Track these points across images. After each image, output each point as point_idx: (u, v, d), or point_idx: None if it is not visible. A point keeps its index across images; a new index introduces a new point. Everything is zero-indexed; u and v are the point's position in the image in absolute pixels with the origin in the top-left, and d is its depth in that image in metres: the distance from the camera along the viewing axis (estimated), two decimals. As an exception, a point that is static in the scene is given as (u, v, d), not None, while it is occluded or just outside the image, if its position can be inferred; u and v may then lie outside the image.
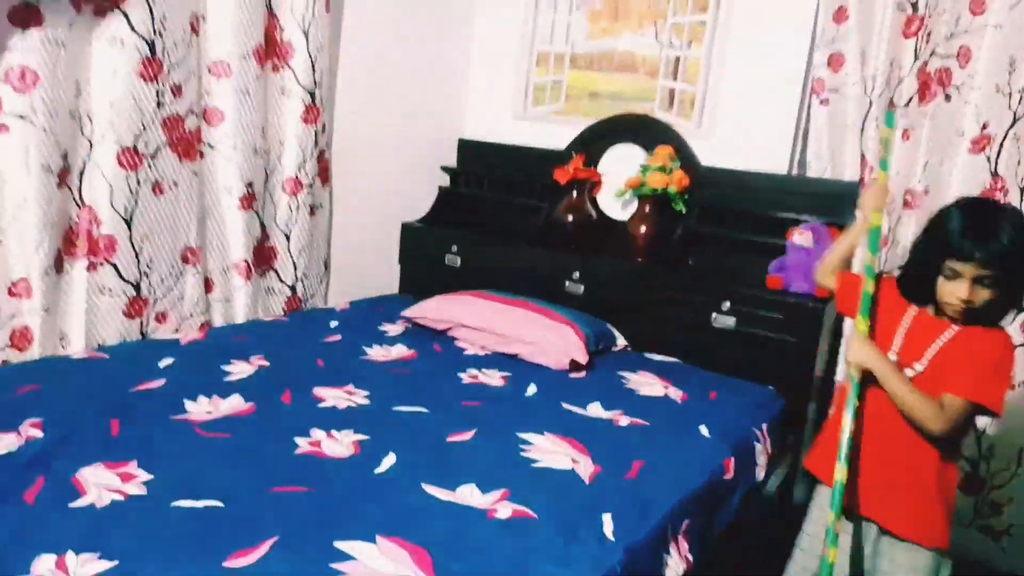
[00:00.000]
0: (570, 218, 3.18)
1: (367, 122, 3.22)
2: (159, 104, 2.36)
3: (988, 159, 2.47)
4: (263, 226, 2.81)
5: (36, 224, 2.13)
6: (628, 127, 3.17)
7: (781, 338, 2.57)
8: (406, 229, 3.43)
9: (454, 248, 3.27)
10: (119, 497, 1.49)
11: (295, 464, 1.72)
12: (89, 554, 1.30)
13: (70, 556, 1.29)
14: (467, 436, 1.94)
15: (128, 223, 2.36)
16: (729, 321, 2.65)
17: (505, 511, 1.58)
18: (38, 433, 1.70)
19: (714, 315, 2.68)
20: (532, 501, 1.63)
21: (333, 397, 2.12)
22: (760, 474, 2.17)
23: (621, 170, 3.11)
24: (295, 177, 2.84)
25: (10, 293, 2.14)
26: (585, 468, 1.83)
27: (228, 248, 2.72)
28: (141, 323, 2.47)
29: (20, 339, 2.19)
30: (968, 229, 1.53)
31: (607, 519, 1.60)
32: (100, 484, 1.53)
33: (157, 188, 2.42)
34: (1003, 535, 2.63)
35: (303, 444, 1.81)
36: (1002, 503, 2.62)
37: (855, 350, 1.67)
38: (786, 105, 2.88)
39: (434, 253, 3.33)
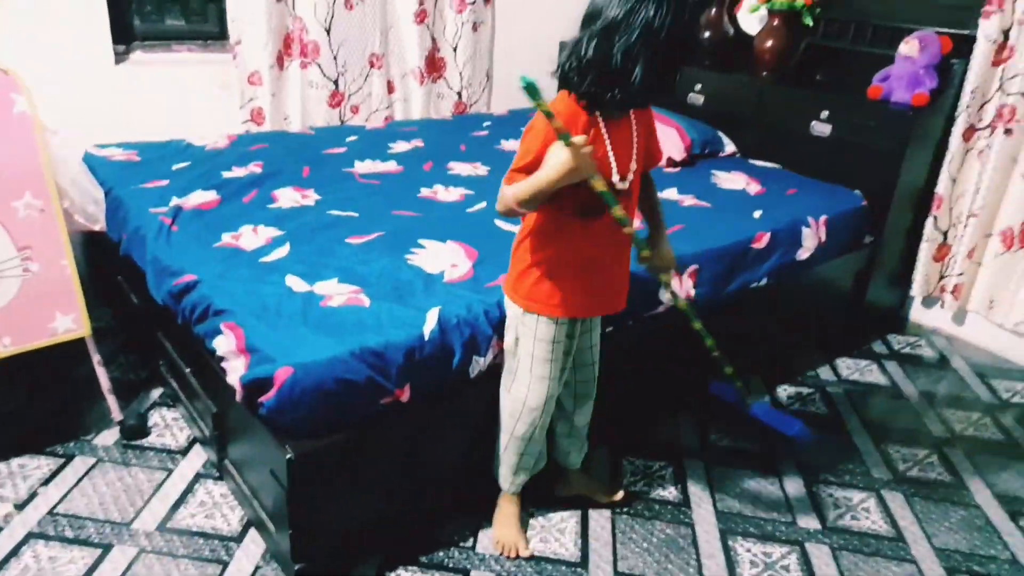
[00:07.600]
0: (706, 34, 3.40)
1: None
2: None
3: None
4: (434, 39, 3.43)
5: (263, 30, 2.93)
6: (773, -59, 3.24)
7: (872, 145, 2.72)
8: (563, 47, 3.85)
9: (599, 63, 3.65)
10: (297, 205, 2.29)
11: (414, 201, 2.41)
12: (272, 227, 2.10)
13: (260, 227, 2.10)
14: (549, 199, 2.49)
15: (328, 32, 3.10)
16: (825, 129, 2.84)
17: (547, 239, 2.14)
18: (258, 170, 2.55)
19: (812, 123, 2.87)
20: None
21: (461, 168, 2.76)
22: (804, 255, 2.48)
23: (762, -14, 3.24)
24: (460, -4, 3.39)
25: (249, 81, 3.01)
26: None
27: (406, 56, 3.38)
28: (339, 112, 3.27)
29: (257, 116, 3.08)
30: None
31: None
32: (288, 197, 2.34)
33: (348, 4, 3.11)
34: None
35: (425, 191, 2.49)
36: None
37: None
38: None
39: (585, 68, 3.74)
